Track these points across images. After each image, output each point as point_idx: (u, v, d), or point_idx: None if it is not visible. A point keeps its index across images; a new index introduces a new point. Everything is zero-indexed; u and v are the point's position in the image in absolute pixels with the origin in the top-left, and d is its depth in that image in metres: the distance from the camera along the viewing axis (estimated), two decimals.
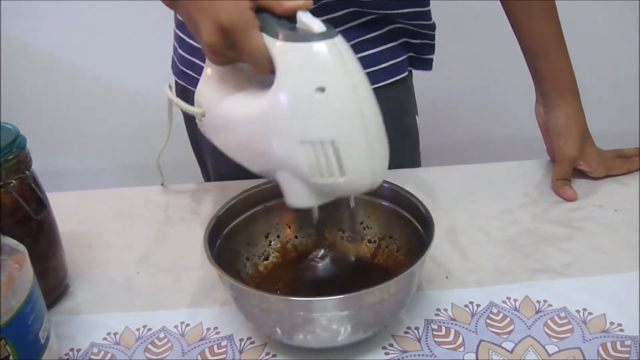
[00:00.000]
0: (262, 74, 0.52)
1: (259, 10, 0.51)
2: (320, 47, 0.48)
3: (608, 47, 1.71)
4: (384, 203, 0.64)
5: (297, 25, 0.50)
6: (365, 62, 0.49)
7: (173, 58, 0.89)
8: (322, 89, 0.48)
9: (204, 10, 0.52)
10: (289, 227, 0.67)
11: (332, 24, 0.49)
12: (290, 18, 0.50)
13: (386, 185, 0.63)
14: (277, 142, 0.52)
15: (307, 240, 0.68)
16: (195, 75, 0.81)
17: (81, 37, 1.67)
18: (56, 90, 1.77)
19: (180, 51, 0.85)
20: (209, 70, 0.60)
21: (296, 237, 0.67)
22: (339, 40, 0.48)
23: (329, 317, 0.52)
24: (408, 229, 0.62)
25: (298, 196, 0.54)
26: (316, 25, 0.48)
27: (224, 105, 0.58)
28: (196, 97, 0.62)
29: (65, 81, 1.75)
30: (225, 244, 0.61)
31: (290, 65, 0.49)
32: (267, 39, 0.50)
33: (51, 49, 1.71)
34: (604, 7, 1.62)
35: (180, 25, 0.84)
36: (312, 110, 0.49)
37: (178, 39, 0.85)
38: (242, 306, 0.56)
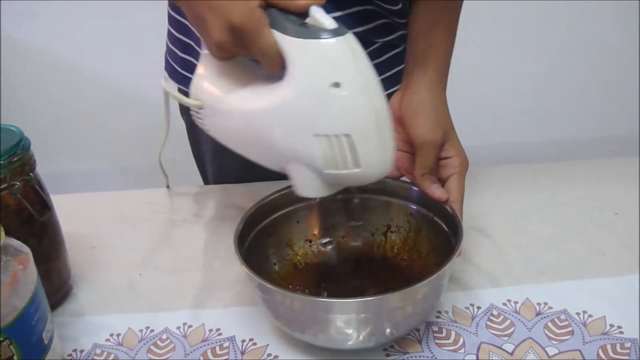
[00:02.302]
0: (272, 72, 0.53)
1: (266, 6, 0.52)
2: (335, 43, 0.49)
3: (608, 47, 1.71)
4: (412, 206, 0.65)
5: (307, 20, 0.51)
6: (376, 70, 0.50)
7: (169, 62, 0.85)
8: (337, 84, 0.49)
9: (213, 9, 0.52)
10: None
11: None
12: (298, 14, 0.51)
13: (414, 188, 0.64)
14: (290, 135, 0.53)
15: (309, 251, 0.67)
16: None
17: (83, 38, 1.68)
18: (58, 92, 1.77)
19: (183, 55, 0.82)
20: (201, 68, 0.60)
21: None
22: (350, 36, 0.50)
23: (347, 320, 0.52)
24: (436, 232, 0.62)
25: (309, 187, 0.56)
26: (328, 22, 0.50)
27: (227, 100, 0.58)
28: (192, 89, 0.61)
29: (68, 83, 1.75)
30: (254, 242, 0.61)
31: (304, 61, 0.50)
32: (278, 36, 0.51)
33: (53, 51, 1.72)
34: (604, 7, 1.63)
35: (184, 30, 0.80)
36: (327, 105, 0.50)
37: (182, 44, 0.81)
38: (269, 304, 0.56)
